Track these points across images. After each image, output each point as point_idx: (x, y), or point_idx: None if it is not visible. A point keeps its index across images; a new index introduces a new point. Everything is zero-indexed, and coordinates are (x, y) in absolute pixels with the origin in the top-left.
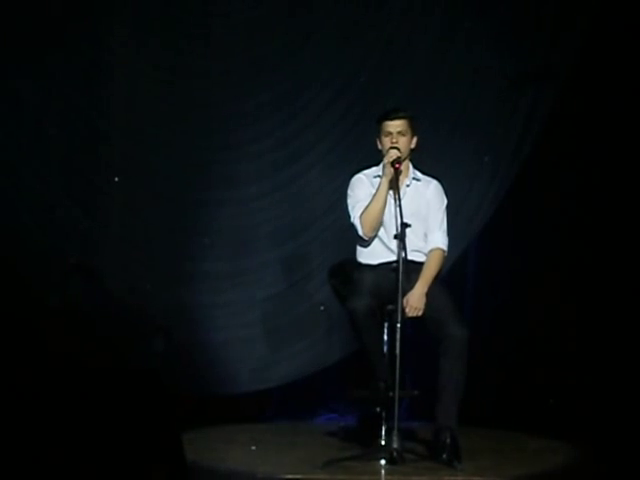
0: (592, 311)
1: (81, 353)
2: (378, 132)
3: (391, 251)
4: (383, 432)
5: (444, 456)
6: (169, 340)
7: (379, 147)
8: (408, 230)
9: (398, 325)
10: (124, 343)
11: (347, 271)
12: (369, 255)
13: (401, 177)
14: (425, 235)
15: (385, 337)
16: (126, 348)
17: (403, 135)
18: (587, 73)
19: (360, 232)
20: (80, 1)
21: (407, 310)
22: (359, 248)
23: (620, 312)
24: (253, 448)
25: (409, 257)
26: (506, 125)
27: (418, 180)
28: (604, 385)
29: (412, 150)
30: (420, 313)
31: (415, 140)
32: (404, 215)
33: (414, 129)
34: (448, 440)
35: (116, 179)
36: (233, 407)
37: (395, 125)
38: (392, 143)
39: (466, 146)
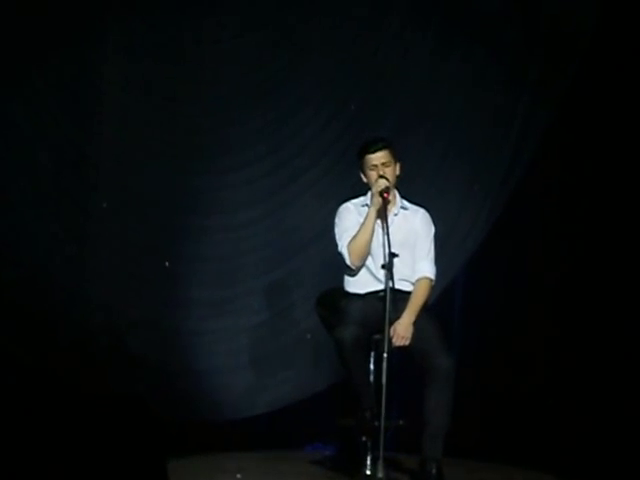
0: (580, 340)
1: (67, 378)
2: (361, 165)
3: (378, 280)
4: (369, 462)
5: None
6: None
7: (363, 180)
8: (396, 259)
9: (385, 355)
10: (109, 368)
11: (334, 300)
12: (356, 284)
13: (389, 206)
14: (413, 264)
15: (371, 366)
16: (111, 373)
17: (388, 166)
18: (579, 99)
19: (348, 261)
20: (70, 26)
21: (394, 339)
22: (346, 277)
23: (609, 341)
24: (238, 476)
25: (397, 286)
26: (495, 153)
27: (406, 209)
28: (592, 415)
29: (397, 177)
30: (407, 342)
31: (399, 166)
32: (392, 244)
33: (396, 156)
34: (434, 471)
35: (104, 204)
36: (218, 435)
37: (379, 157)
38: (379, 174)
39: (455, 174)
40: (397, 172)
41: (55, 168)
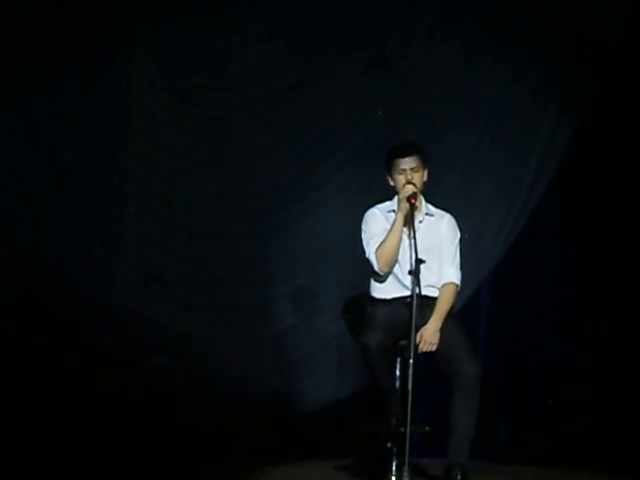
0: (608, 347)
1: (97, 382)
2: (389, 169)
3: (405, 286)
4: (394, 468)
5: None
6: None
7: (390, 183)
8: (422, 265)
9: (411, 360)
10: (137, 373)
11: (361, 306)
12: (383, 290)
13: (415, 212)
14: (439, 270)
15: (397, 372)
16: (139, 378)
17: (416, 171)
18: (604, 112)
19: (376, 267)
20: (100, 31)
21: (421, 345)
22: (373, 283)
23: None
24: None
25: (423, 292)
26: (521, 161)
27: (431, 215)
28: (620, 417)
29: (425, 183)
30: (434, 348)
31: (427, 173)
32: (418, 250)
33: (425, 162)
34: (459, 477)
35: (131, 208)
36: (244, 440)
37: (408, 162)
38: (408, 180)
39: (482, 180)
40: (424, 178)
41: (82, 172)
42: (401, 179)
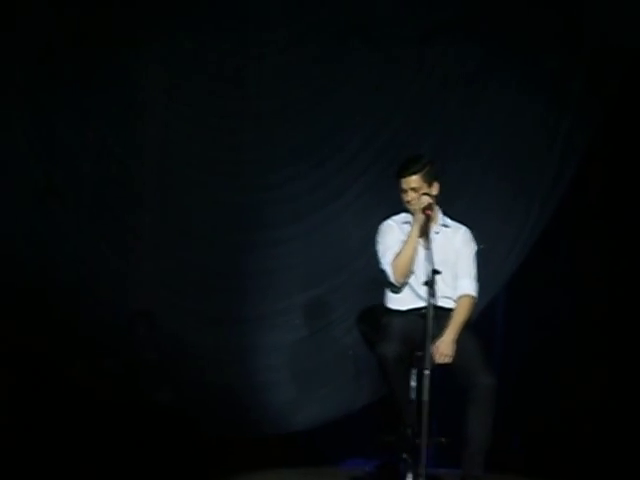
0: (626, 360)
1: (110, 392)
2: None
3: (420, 297)
4: (410, 479)
5: None
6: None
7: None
8: (437, 277)
9: (426, 372)
10: (152, 383)
11: (376, 316)
12: (398, 301)
13: (431, 224)
14: (454, 282)
15: (413, 383)
16: (153, 388)
17: (416, 191)
18: (622, 115)
19: (392, 279)
20: (115, 42)
21: (436, 357)
22: (388, 294)
23: None
24: None
25: (438, 303)
26: (538, 170)
27: (447, 227)
28: (633, 437)
29: (436, 196)
30: (449, 360)
31: (437, 186)
32: (433, 262)
33: (431, 177)
34: None
35: (147, 220)
36: (259, 450)
37: (407, 182)
38: (407, 202)
39: (497, 191)
40: (435, 192)
41: (99, 183)
42: (403, 197)
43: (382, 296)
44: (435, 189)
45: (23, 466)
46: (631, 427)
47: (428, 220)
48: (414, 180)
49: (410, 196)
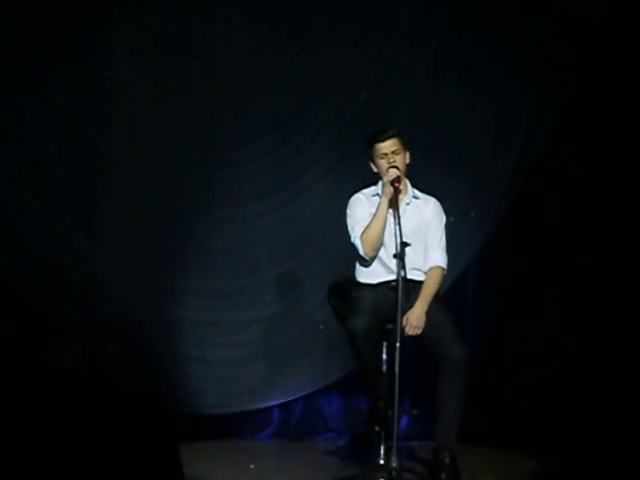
0: (592, 329)
1: (78, 370)
2: (370, 154)
3: (390, 270)
4: (382, 451)
5: (443, 476)
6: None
7: (374, 169)
8: (408, 249)
9: (397, 344)
10: (121, 361)
11: (346, 290)
12: (368, 274)
13: (400, 196)
14: (424, 254)
15: (384, 356)
16: (124, 366)
17: (397, 154)
18: (586, 97)
19: (361, 252)
20: (80, 20)
21: (407, 329)
22: (358, 267)
23: (621, 327)
24: (252, 467)
25: (408, 276)
26: (505, 145)
27: (417, 198)
28: (605, 401)
29: (408, 165)
30: (420, 332)
31: (409, 155)
32: (404, 234)
33: (405, 144)
34: (447, 460)
35: (115, 198)
36: (232, 425)
37: (388, 146)
38: (389, 163)
39: (466, 165)
40: (407, 160)
41: (66, 162)
42: (383, 163)
43: (352, 270)
44: (408, 157)
45: None
46: (601, 396)
47: (397, 192)
48: (395, 143)
49: (392, 158)
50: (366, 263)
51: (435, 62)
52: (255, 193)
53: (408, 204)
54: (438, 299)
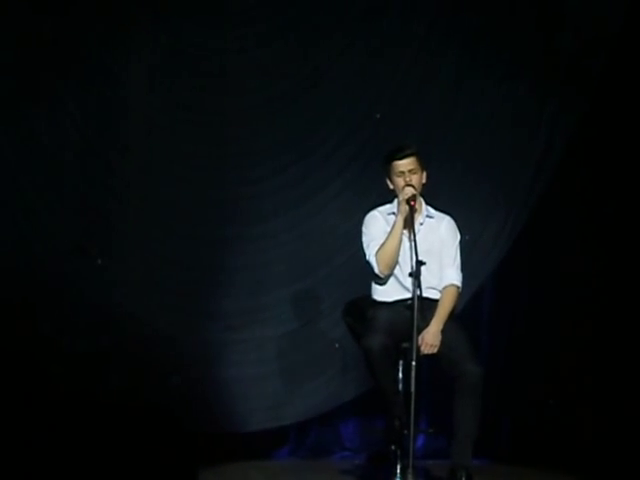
0: (609, 347)
1: (98, 390)
2: (387, 172)
3: (406, 289)
4: (398, 470)
5: None
6: (184, 377)
7: (390, 187)
8: (423, 268)
9: (413, 363)
10: (140, 380)
11: (362, 309)
12: (384, 293)
13: (415, 215)
14: (439, 272)
15: (400, 375)
16: (142, 385)
17: (414, 173)
18: (602, 113)
19: (376, 270)
20: (97, 37)
21: (422, 348)
22: (374, 286)
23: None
24: None
25: (424, 294)
26: (521, 161)
27: (431, 217)
28: (621, 421)
29: (424, 185)
30: (435, 350)
31: (425, 175)
32: (419, 253)
33: (422, 164)
34: (463, 478)
35: (130, 216)
36: (248, 444)
37: (406, 164)
38: (406, 182)
39: (481, 182)
40: (423, 180)
41: (80, 179)
42: (400, 181)
43: (368, 288)
44: (424, 177)
45: None
46: (618, 412)
47: (412, 211)
48: (412, 162)
49: (409, 177)
50: (381, 281)
51: (450, 78)
52: (269, 212)
53: (422, 223)
54: (453, 317)
